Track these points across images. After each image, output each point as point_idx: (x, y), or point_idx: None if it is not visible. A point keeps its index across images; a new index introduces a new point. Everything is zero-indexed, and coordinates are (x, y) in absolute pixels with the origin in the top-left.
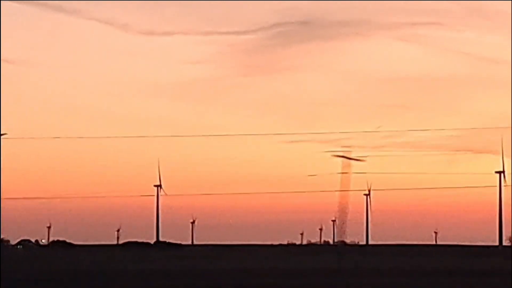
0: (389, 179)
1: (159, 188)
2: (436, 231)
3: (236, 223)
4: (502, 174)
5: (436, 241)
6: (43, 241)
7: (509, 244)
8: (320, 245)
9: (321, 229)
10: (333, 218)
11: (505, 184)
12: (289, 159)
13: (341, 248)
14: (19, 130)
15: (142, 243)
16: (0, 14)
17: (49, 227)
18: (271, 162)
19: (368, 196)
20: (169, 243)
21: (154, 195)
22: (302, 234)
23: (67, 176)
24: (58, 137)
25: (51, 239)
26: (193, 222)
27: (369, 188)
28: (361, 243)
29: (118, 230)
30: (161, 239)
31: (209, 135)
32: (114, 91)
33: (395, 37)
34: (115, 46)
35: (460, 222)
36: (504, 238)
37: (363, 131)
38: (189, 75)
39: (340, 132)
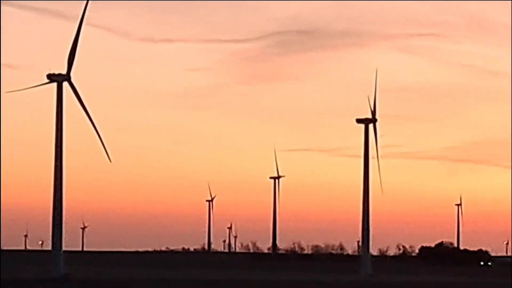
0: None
1: None
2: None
3: None
4: (277, 180)
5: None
6: None
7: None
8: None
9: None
10: (229, 225)
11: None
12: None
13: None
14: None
15: None
16: (0, 16)
17: None
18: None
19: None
20: None
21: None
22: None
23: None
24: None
25: None
26: (83, 228)
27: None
28: None
29: None
30: None
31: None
32: (114, 98)
33: (396, 47)
34: (115, 53)
35: None
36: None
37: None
38: (189, 82)
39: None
